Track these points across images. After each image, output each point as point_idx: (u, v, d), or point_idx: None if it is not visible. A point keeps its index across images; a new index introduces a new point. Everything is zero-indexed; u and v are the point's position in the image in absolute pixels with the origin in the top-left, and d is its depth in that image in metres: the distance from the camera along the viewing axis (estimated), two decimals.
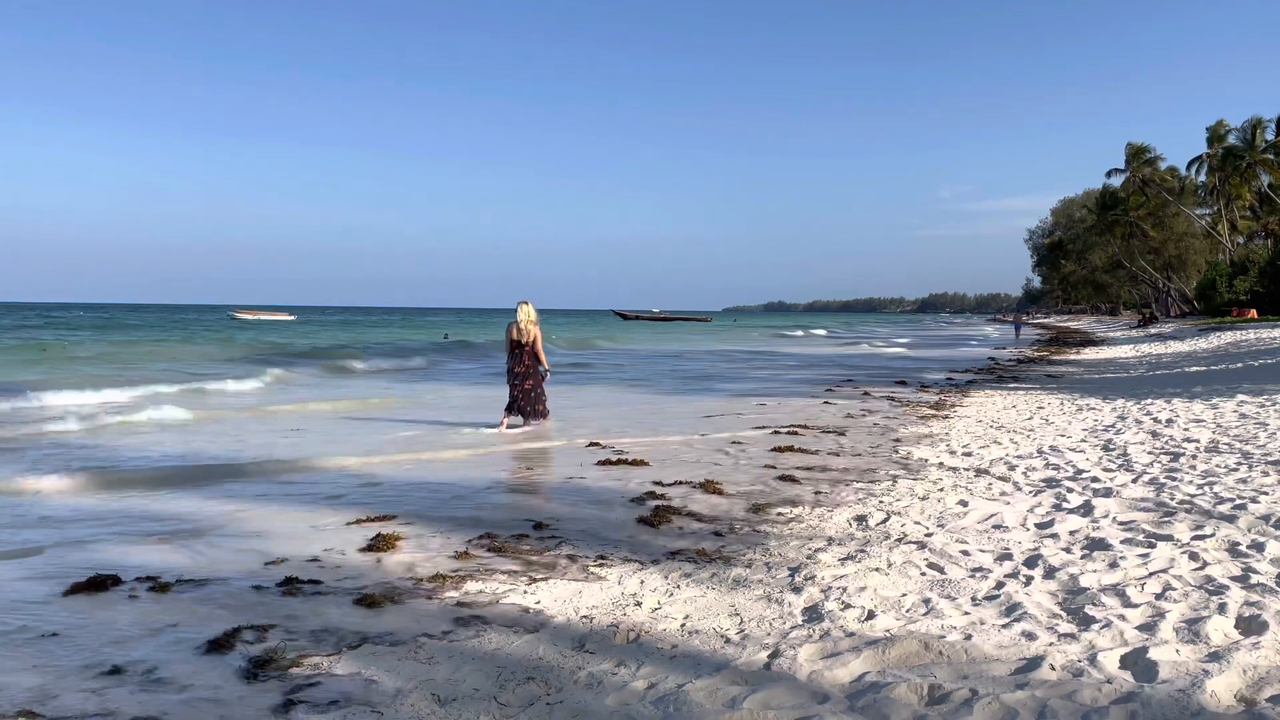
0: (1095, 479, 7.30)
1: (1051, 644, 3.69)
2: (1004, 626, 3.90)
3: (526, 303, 11.31)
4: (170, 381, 16.96)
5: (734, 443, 9.87)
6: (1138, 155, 66.45)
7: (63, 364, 22.81)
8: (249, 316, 76.59)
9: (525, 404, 11.14)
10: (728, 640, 3.84)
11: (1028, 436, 10.05)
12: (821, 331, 64.76)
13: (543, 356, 11.30)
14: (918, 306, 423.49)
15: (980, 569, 4.82)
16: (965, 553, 5.15)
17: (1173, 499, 6.41)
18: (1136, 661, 3.48)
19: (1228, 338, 30.90)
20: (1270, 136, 58.55)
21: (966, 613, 4.11)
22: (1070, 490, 6.87)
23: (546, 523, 5.98)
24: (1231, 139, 60.10)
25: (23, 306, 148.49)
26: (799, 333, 61.42)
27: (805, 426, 11.13)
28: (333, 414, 12.81)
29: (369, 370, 22.93)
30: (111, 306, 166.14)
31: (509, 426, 10.90)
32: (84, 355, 26.54)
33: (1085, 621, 3.95)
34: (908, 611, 4.15)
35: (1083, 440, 9.59)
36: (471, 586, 4.58)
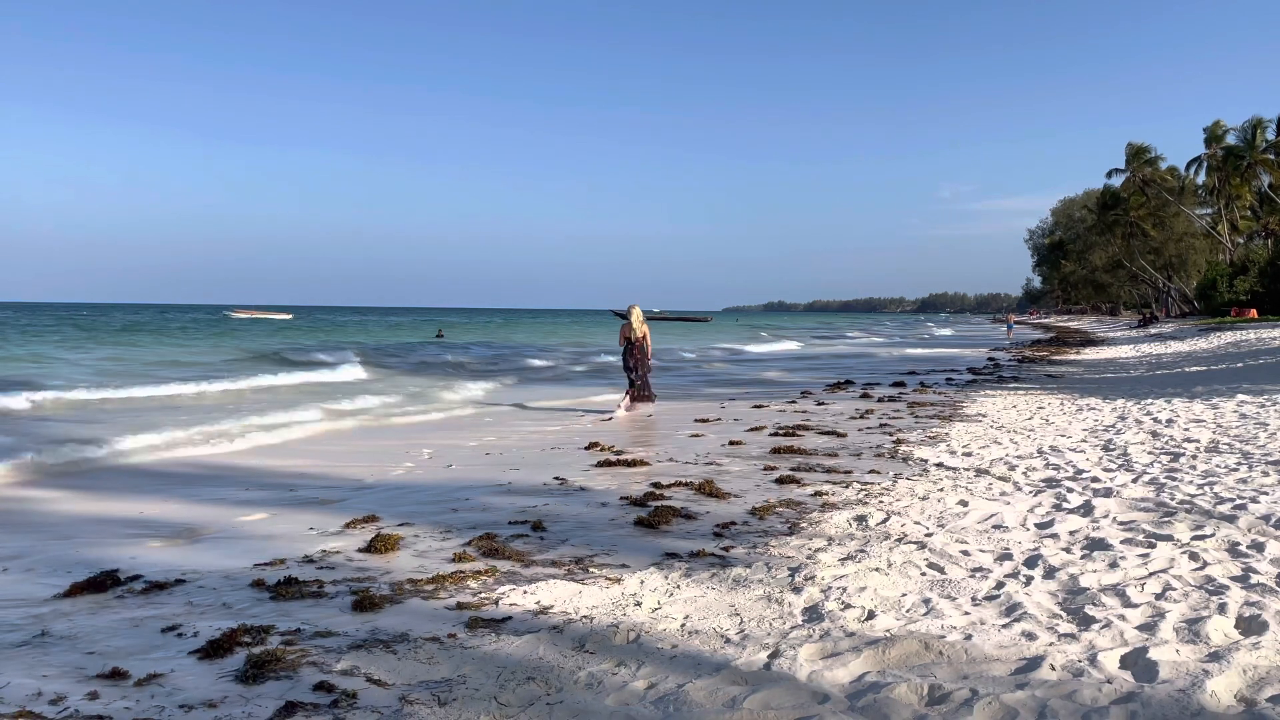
0: (1095, 479, 7.29)
1: (1051, 644, 3.68)
2: (1004, 626, 3.90)
3: (635, 306, 13.87)
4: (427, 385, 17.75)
5: (733, 443, 9.87)
6: (1138, 155, 66.42)
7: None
8: (246, 316, 76.32)
9: (641, 390, 13.56)
10: (728, 640, 3.83)
11: (1028, 436, 10.04)
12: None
13: (650, 351, 13.96)
14: (918, 306, 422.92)
15: (980, 569, 4.82)
16: (965, 553, 5.15)
17: (1173, 499, 6.41)
18: (1136, 661, 3.47)
19: (1228, 338, 30.90)
20: (1270, 136, 58.52)
21: (966, 613, 4.11)
22: (1070, 490, 6.86)
23: (546, 523, 5.98)
24: (1230, 139, 60.08)
25: (7, 306, 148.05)
26: (856, 333, 57.35)
27: (805, 427, 11.12)
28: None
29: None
30: (101, 306, 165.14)
31: (627, 409, 13.16)
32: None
33: (1085, 621, 3.95)
34: (908, 611, 4.15)
35: (1083, 440, 9.58)
36: (471, 587, 4.58)
